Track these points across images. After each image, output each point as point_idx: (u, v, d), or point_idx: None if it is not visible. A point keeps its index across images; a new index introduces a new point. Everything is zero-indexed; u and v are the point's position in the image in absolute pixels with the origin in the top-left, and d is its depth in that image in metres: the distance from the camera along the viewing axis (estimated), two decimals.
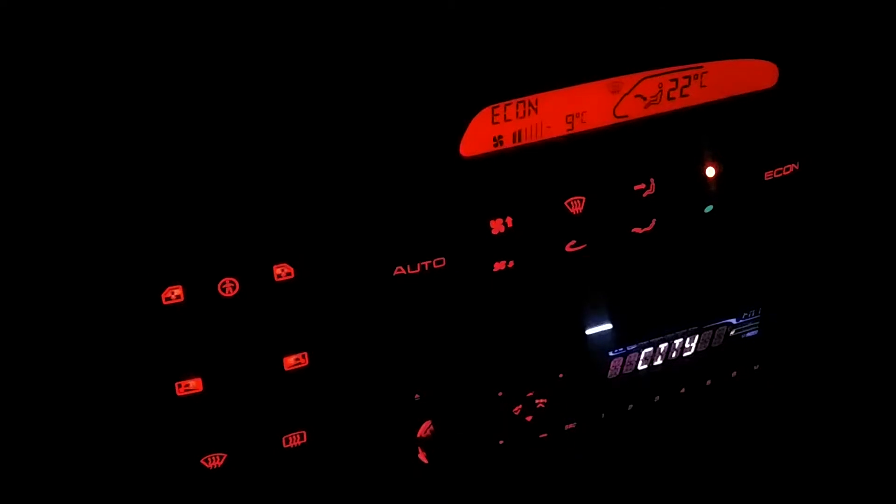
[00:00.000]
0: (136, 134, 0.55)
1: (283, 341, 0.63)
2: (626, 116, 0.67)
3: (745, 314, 0.78)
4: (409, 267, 0.64)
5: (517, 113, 0.64)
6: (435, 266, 0.64)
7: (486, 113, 0.63)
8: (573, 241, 0.68)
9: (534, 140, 0.65)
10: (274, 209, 0.59)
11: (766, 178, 0.71)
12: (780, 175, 0.72)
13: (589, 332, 0.72)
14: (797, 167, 0.71)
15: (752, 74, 0.68)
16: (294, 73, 0.58)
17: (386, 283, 0.63)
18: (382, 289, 0.63)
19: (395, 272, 0.63)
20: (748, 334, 0.78)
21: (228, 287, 0.60)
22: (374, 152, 0.61)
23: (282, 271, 0.61)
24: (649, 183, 0.68)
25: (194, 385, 0.61)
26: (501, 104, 0.63)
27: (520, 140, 0.65)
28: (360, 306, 0.64)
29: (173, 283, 0.58)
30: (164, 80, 0.55)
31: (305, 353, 0.64)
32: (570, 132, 0.65)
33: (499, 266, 0.67)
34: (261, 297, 0.61)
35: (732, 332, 0.77)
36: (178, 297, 0.59)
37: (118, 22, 0.53)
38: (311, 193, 0.60)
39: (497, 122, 0.64)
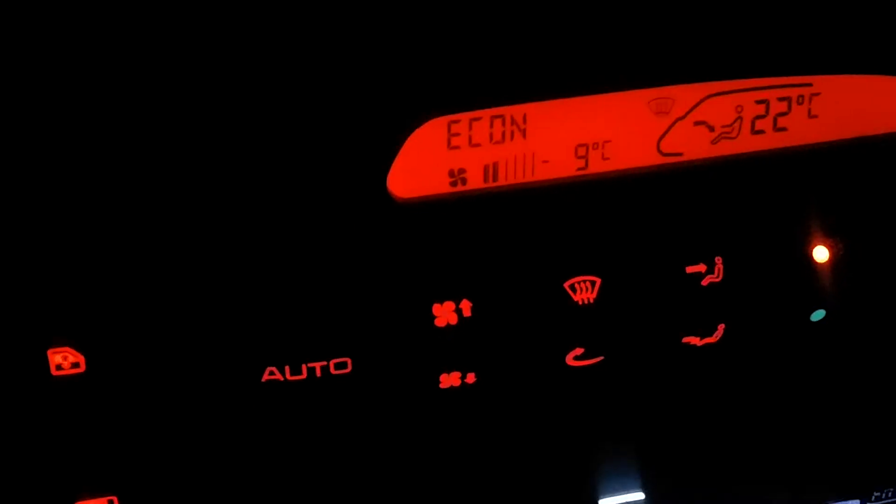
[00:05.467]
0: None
1: None
2: (680, 155, 0.57)
3: (878, 494, 0.68)
4: (289, 371, 0.52)
5: (491, 133, 0.53)
6: (333, 372, 0.53)
7: (435, 129, 0.52)
8: (578, 350, 0.58)
9: (518, 181, 0.55)
10: None
11: None
12: None
13: (603, 503, 0.62)
14: None
15: (894, 102, 0.59)
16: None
17: (255, 391, 0.53)
18: (247, 398, 0.53)
19: (265, 378, 0.53)
20: None
21: None
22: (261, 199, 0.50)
23: None
24: (713, 264, 0.58)
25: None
26: (463, 116, 0.52)
27: (495, 179, 0.54)
28: None
29: None
30: None
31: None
32: (581, 172, 0.55)
33: (448, 380, 0.55)
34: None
35: None
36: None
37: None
38: None
39: (456, 147, 0.53)
